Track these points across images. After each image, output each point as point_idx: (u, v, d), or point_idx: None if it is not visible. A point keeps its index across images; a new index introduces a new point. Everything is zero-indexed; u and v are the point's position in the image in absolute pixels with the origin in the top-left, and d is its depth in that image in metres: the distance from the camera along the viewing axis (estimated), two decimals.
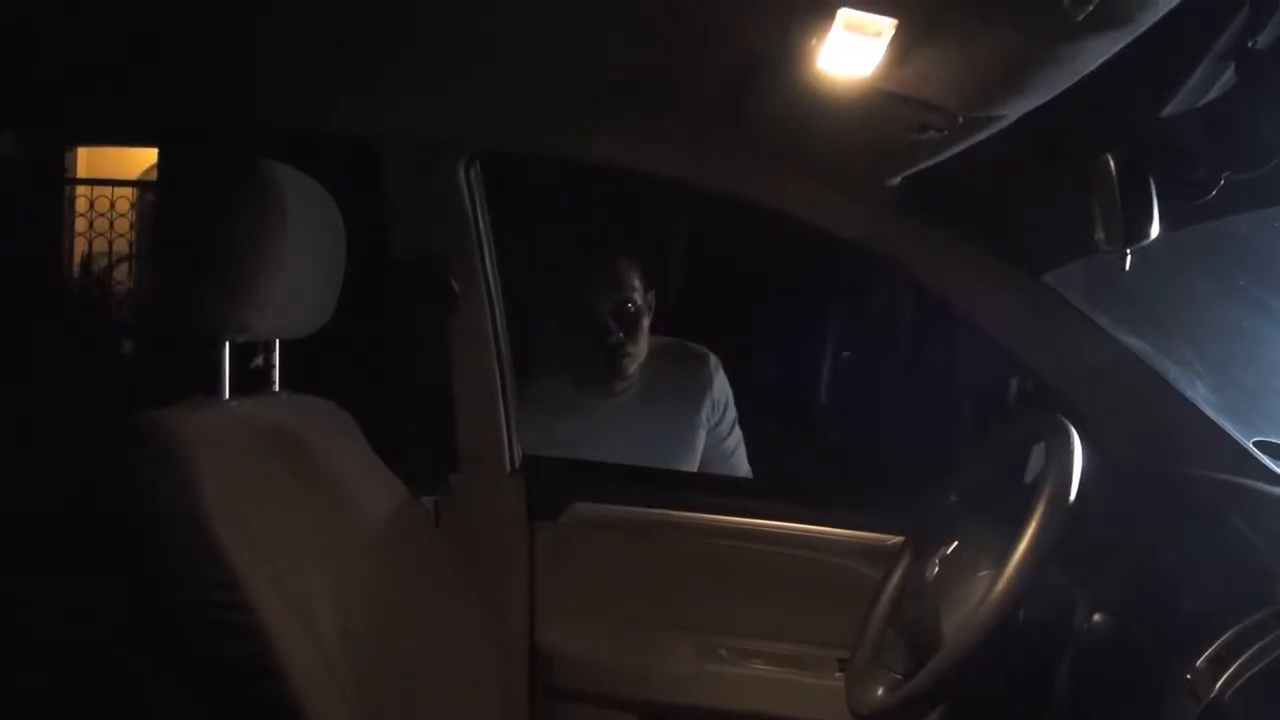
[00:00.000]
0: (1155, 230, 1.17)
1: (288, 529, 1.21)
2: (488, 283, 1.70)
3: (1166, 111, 1.21)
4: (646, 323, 2.05)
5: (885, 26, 0.93)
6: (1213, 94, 1.17)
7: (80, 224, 5.29)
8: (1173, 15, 0.85)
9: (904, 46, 0.96)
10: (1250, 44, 1.06)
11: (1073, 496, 1.12)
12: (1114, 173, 1.17)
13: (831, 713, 1.41)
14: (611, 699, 1.80)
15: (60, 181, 5.14)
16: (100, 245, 5.27)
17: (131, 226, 5.26)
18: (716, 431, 2.13)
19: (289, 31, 1.47)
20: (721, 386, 2.14)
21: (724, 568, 1.83)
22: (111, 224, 5.25)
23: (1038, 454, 1.22)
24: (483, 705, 1.51)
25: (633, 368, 2.04)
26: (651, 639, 1.84)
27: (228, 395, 1.30)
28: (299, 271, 1.28)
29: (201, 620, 1.13)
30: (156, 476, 1.14)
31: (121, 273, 5.27)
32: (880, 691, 1.27)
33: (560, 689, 1.81)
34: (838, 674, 1.71)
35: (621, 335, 2.00)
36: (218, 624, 1.12)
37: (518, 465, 1.74)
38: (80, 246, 5.30)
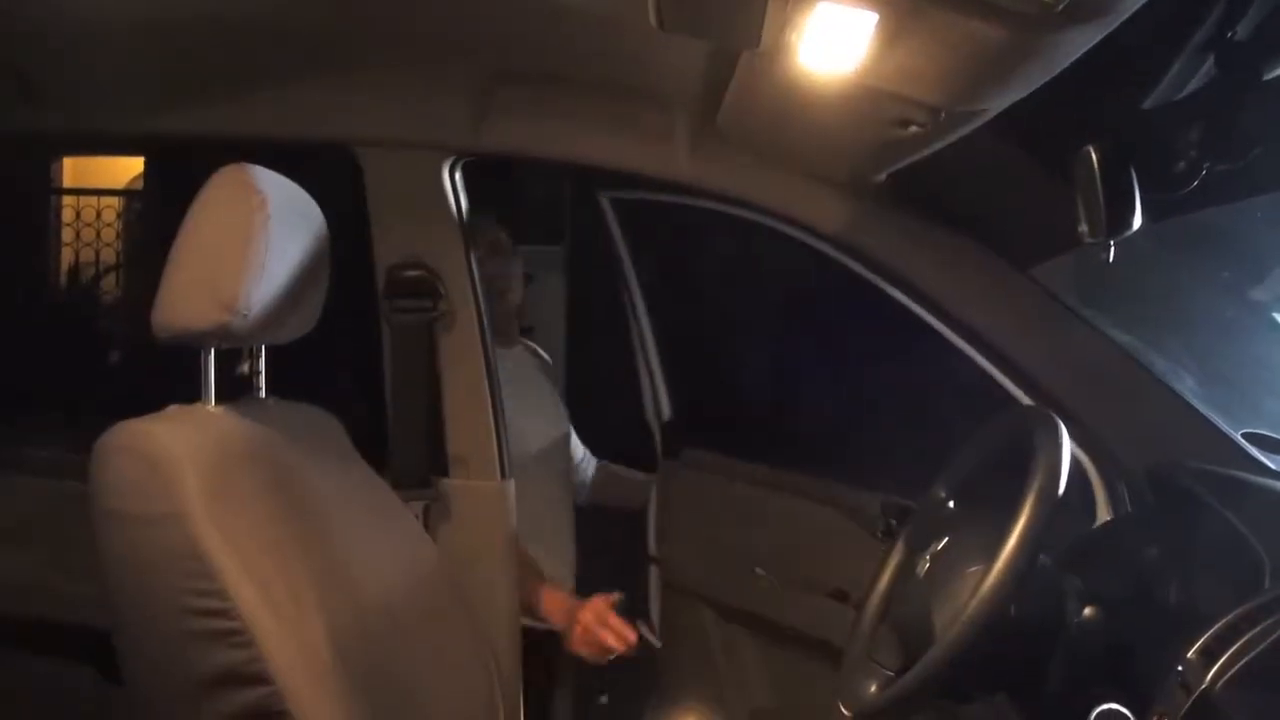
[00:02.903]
0: (1138, 221, 1.17)
1: (275, 536, 1.21)
2: (474, 286, 1.70)
3: (1148, 103, 1.21)
4: None
5: (865, 21, 0.93)
6: (1193, 85, 1.18)
7: (67, 234, 5.27)
8: (1152, 6, 0.85)
9: (884, 41, 0.96)
10: (1230, 35, 1.07)
11: (1061, 491, 1.12)
12: (1096, 165, 1.17)
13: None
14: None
15: (47, 192, 5.13)
16: (87, 255, 5.26)
17: (118, 236, 5.24)
18: None
19: (271, 40, 1.47)
20: None
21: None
22: (98, 234, 5.23)
23: (1027, 448, 1.22)
24: (472, 709, 1.50)
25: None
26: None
27: (213, 403, 1.29)
28: (283, 278, 1.27)
29: (191, 628, 1.12)
30: (142, 486, 1.14)
31: (108, 282, 5.26)
32: (873, 688, 1.27)
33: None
34: None
35: None
36: (206, 631, 1.12)
37: (507, 470, 1.73)
38: (67, 257, 5.29)
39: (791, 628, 1.98)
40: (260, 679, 1.13)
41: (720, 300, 2.86)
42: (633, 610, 1.87)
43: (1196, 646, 1.02)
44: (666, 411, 2.42)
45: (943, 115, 1.13)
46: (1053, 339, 1.57)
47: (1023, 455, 1.19)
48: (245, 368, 1.44)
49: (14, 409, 2.17)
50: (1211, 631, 1.03)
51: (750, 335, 2.92)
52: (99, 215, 5.22)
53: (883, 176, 1.55)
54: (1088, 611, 1.19)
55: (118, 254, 5.23)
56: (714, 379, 2.70)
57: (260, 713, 1.12)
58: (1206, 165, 1.10)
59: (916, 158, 1.38)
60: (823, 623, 1.92)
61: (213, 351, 1.30)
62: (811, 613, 1.95)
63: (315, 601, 1.22)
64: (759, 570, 2.00)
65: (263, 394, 1.44)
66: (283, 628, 1.14)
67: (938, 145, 1.29)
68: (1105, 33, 0.88)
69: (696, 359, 2.59)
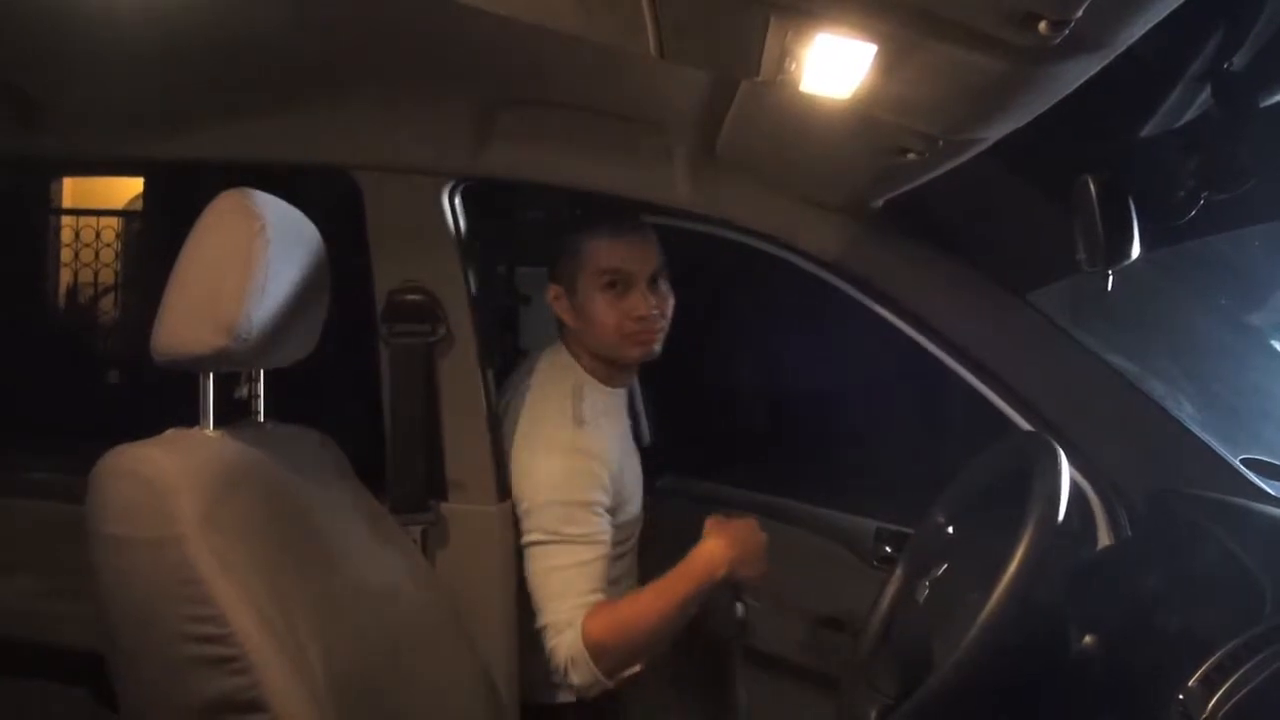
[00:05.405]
0: (1136, 250, 1.17)
1: (272, 561, 1.21)
2: (473, 310, 1.70)
3: (1145, 133, 1.22)
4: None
5: (864, 52, 0.94)
6: (1190, 115, 1.18)
7: (66, 254, 5.28)
8: (1149, 38, 0.86)
9: (883, 71, 0.96)
10: (1226, 66, 1.07)
11: (1060, 517, 1.12)
12: (1094, 194, 1.18)
13: None
14: None
15: (46, 212, 5.14)
16: (86, 276, 5.26)
17: (117, 257, 5.24)
18: None
19: (272, 65, 1.48)
20: None
21: None
22: (97, 254, 5.24)
23: (1026, 474, 1.22)
24: None
25: None
26: None
27: (211, 427, 1.29)
28: (283, 302, 1.28)
29: (187, 654, 1.12)
30: (139, 511, 1.13)
31: (107, 303, 5.26)
32: (871, 715, 1.26)
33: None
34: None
35: None
36: (203, 657, 1.12)
37: (505, 493, 1.73)
38: (66, 277, 5.29)
39: (784, 658, 1.96)
40: (257, 706, 1.12)
41: (706, 323, 2.86)
42: None
43: (1197, 675, 1.02)
44: (647, 436, 2.32)
45: (940, 143, 1.14)
46: (1052, 364, 1.57)
47: (1022, 481, 1.19)
48: (244, 391, 1.44)
49: (11, 431, 2.16)
50: (1212, 660, 1.02)
51: (737, 359, 2.91)
52: (98, 235, 5.23)
53: (880, 203, 1.56)
54: (1088, 639, 1.19)
55: (116, 274, 5.24)
56: (699, 403, 2.66)
57: None
58: (1204, 194, 1.11)
59: (914, 184, 1.39)
60: (816, 652, 1.90)
61: (212, 375, 1.30)
62: (805, 642, 1.93)
63: (313, 627, 1.21)
64: (740, 604, 1.96)
65: (261, 418, 1.44)
66: (280, 654, 1.14)
67: (935, 172, 1.29)
68: (1102, 65, 0.89)
69: (680, 382, 2.56)
